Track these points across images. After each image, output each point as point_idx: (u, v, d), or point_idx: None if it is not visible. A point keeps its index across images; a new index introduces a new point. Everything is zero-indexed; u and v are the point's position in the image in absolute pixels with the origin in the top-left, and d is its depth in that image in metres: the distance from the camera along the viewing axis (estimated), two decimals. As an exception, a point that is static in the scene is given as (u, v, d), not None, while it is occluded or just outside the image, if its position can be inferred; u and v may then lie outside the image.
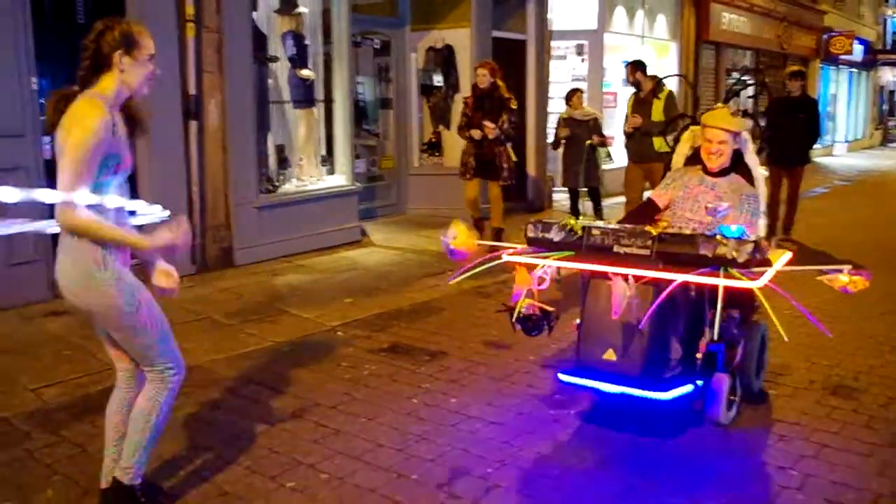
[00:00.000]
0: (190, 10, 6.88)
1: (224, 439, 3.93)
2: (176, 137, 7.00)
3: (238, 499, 3.34)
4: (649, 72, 8.92)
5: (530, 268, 3.92)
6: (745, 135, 4.60)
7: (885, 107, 32.54)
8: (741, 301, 4.00)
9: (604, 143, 9.67)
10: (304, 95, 8.43)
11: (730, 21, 17.24)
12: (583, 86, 13.16)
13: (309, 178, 8.58)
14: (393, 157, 10.33)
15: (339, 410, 4.29)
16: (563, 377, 3.86)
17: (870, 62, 28.14)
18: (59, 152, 2.78)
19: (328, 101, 8.81)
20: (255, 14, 7.74)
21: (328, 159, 8.92)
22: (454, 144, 10.49)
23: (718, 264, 3.55)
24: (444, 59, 10.21)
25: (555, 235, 3.96)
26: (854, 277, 3.46)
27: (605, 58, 13.17)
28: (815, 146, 9.64)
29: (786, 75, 9.96)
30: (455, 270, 4.30)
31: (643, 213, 4.66)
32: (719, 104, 5.38)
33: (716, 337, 3.65)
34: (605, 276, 3.68)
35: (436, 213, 9.44)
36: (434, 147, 10.53)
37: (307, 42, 8.44)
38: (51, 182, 6.16)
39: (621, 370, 3.69)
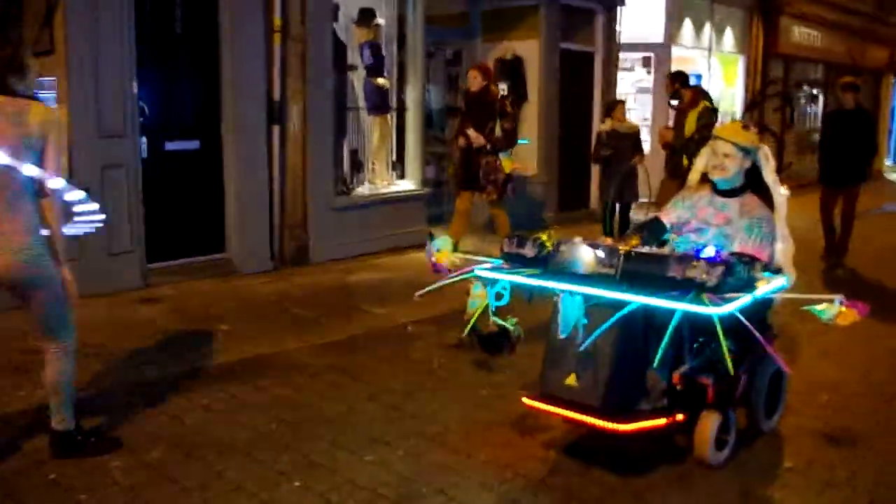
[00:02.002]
0: (277, 20, 7.32)
1: (308, 418, 4.29)
2: (260, 141, 7.44)
3: (324, 468, 3.69)
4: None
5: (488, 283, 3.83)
6: (766, 151, 4.19)
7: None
8: (745, 332, 3.54)
9: (641, 159, 8.94)
10: (378, 103, 8.81)
11: (800, 34, 17.01)
12: (648, 98, 13.37)
13: (381, 182, 8.96)
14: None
15: (412, 397, 4.61)
16: (526, 401, 3.70)
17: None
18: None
19: (401, 109, 9.18)
20: (335, 25, 8.15)
21: (399, 164, 9.28)
22: (520, 152, 10.78)
23: (688, 287, 3.29)
24: (512, 69, 10.49)
25: (528, 251, 3.80)
26: (843, 309, 3.23)
27: (671, 70, 13.23)
28: (869, 163, 8.88)
29: (838, 87, 9.17)
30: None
31: (648, 232, 4.26)
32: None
33: (655, 364, 3.34)
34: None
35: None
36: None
37: (383, 52, 8.82)
38: (148, 177, 6.67)
39: (581, 397, 3.50)
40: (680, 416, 3.62)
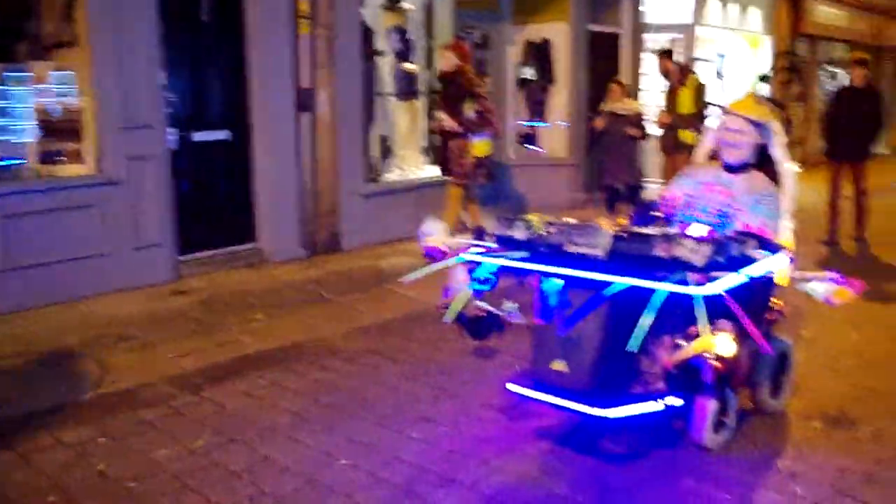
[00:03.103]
0: (304, 7, 7.24)
1: (350, 400, 4.23)
2: (290, 128, 7.38)
3: (370, 447, 3.64)
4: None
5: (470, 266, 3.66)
6: (775, 126, 4.03)
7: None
8: (749, 312, 3.43)
9: (641, 136, 8.76)
10: (407, 88, 8.73)
11: (825, 14, 16.88)
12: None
13: (410, 168, 8.87)
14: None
15: (451, 377, 4.55)
16: (511, 387, 3.56)
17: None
18: None
19: (430, 94, 9.07)
20: (362, 10, 8.06)
21: (428, 150, 9.18)
22: (549, 136, 10.69)
23: (675, 267, 3.14)
24: (540, 52, 10.37)
25: (518, 233, 3.64)
26: (838, 288, 3.13)
27: (697, 51, 13.07)
28: (874, 140, 8.74)
29: (850, 63, 9.17)
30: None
31: (648, 211, 4.13)
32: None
33: (636, 349, 3.09)
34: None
35: (531, 204, 9.57)
36: (529, 139, 10.70)
37: (411, 36, 8.73)
38: (177, 169, 6.61)
39: (569, 382, 3.35)
40: (676, 400, 3.42)
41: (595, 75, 10.69)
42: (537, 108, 10.64)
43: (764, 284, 3.54)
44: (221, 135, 7.13)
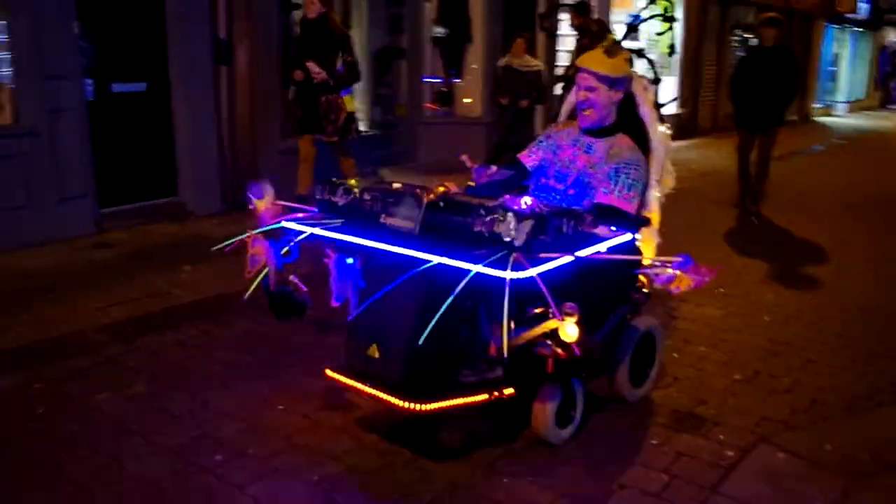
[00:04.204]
0: (221, -44, 7.19)
1: (281, 349, 4.46)
2: (207, 81, 7.38)
3: (305, 394, 3.87)
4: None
5: (273, 235, 3.38)
6: (643, 82, 3.73)
7: (888, 68, 30.49)
8: (607, 293, 3.24)
9: (530, 104, 8.57)
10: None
11: (737, -24, 17.32)
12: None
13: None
14: (406, 105, 10.66)
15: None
16: (329, 374, 3.22)
17: (874, 21, 27.91)
18: None
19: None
20: (278, -39, 8.00)
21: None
22: (465, 94, 10.89)
23: (497, 245, 2.81)
24: (456, 9, 10.49)
25: (340, 198, 3.32)
26: (679, 275, 2.88)
27: (611, 10, 13.42)
28: (787, 105, 8.24)
29: (759, 22, 8.57)
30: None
31: (511, 177, 3.73)
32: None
33: (425, 336, 2.75)
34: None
35: (446, 161, 9.80)
36: (445, 96, 10.88)
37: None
38: (96, 121, 6.51)
39: (382, 370, 3.03)
40: (508, 390, 3.05)
41: (511, 32, 10.88)
42: (454, 66, 10.80)
43: (623, 264, 3.25)
44: (139, 87, 7.09)
